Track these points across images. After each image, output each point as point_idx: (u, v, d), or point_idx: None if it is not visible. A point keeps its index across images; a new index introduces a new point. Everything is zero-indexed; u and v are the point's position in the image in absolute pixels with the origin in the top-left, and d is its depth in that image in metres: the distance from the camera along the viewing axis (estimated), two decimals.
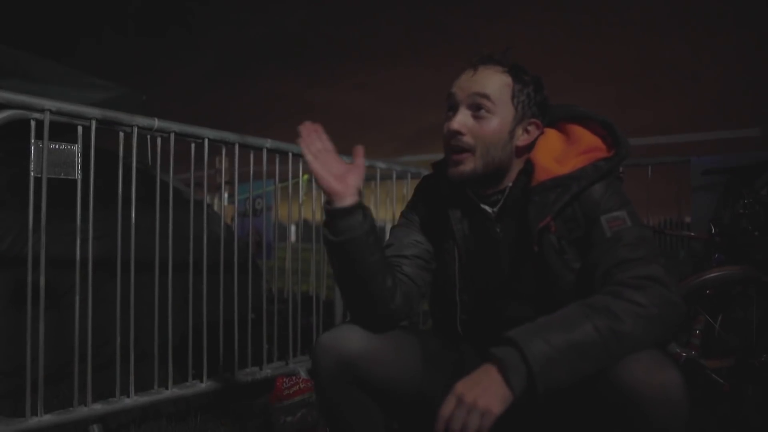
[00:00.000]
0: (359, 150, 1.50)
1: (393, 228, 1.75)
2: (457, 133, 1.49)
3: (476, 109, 1.49)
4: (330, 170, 1.45)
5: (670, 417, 1.17)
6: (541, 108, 1.56)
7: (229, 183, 5.62)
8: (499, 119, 1.49)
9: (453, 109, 1.53)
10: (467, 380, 1.23)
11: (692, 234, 3.25)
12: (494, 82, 1.50)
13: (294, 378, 2.58)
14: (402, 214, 1.76)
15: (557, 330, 1.23)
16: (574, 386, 1.23)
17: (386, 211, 4.58)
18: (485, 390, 1.19)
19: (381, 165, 3.67)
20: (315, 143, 1.46)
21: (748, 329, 3.01)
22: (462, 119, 1.50)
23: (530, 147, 1.56)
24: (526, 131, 1.54)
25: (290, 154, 2.95)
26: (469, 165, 1.50)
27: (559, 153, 1.54)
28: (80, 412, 2.13)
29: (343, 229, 1.43)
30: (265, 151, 2.81)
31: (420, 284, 1.63)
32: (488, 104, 1.49)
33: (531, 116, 1.54)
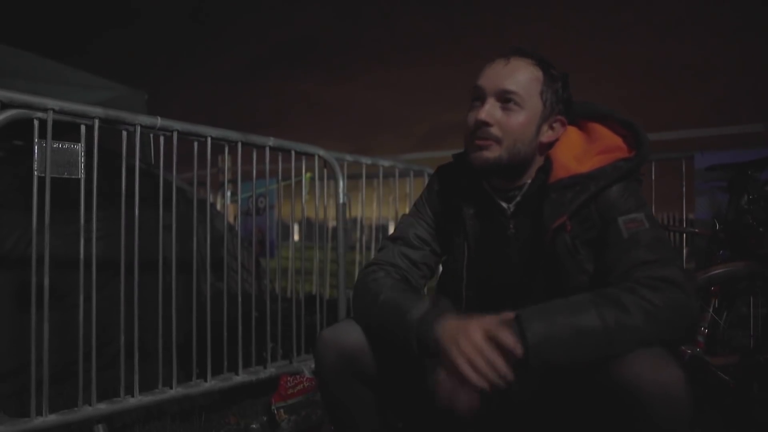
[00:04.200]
0: None
1: (403, 216, 1.76)
2: (485, 124, 1.46)
3: (505, 101, 1.47)
4: None
5: (672, 415, 1.15)
6: (566, 105, 1.54)
7: (232, 182, 5.63)
8: (527, 113, 1.47)
9: (480, 99, 1.50)
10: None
11: (696, 230, 3.24)
12: (525, 75, 1.47)
13: (298, 377, 2.59)
14: (415, 204, 1.76)
15: (562, 312, 1.24)
16: (574, 372, 1.24)
17: (389, 209, 4.58)
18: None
19: (384, 163, 3.66)
20: None
21: (754, 326, 3.00)
22: (490, 110, 1.47)
23: (552, 144, 1.54)
24: (551, 128, 1.52)
25: (293, 152, 2.95)
26: (494, 152, 1.47)
27: (579, 151, 1.51)
28: (85, 411, 2.13)
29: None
30: (267, 150, 2.81)
31: (422, 283, 1.66)
32: (518, 97, 1.46)
33: (557, 113, 1.52)
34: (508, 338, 1.21)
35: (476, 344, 1.23)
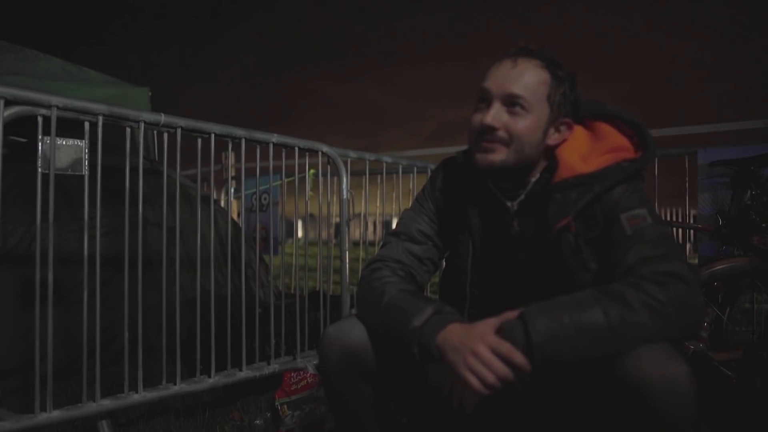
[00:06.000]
0: None
1: (405, 211, 1.75)
2: (491, 129, 1.45)
3: (512, 104, 1.45)
4: None
5: (678, 410, 1.16)
6: (573, 107, 1.53)
7: (236, 178, 5.64)
8: (534, 117, 1.46)
9: (486, 101, 1.49)
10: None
11: (699, 226, 3.24)
12: (532, 78, 1.46)
13: (301, 373, 2.60)
14: (417, 199, 1.74)
15: (566, 309, 1.23)
16: (579, 369, 1.24)
17: (392, 206, 4.58)
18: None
19: (387, 159, 3.66)
20: None
21: (757, 321, 3.01)
22: (496, 114, 1.45)
23: (558, 145, 1.53)
24: (558, 130, 1.51)
25: (296, 149, 2.95)
26: (500, 155, 1.47)
27: (585, 150, 1.50)
28: (89, 407, 2.13)
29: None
30: (271, 146, 2.81)
31: (426, 278, 1.66)
32: (525, 101, 1.44)
33: (564, 115, 1.51)
34: (512, 353, 1.22)
35: (481, 357, 1.24)
